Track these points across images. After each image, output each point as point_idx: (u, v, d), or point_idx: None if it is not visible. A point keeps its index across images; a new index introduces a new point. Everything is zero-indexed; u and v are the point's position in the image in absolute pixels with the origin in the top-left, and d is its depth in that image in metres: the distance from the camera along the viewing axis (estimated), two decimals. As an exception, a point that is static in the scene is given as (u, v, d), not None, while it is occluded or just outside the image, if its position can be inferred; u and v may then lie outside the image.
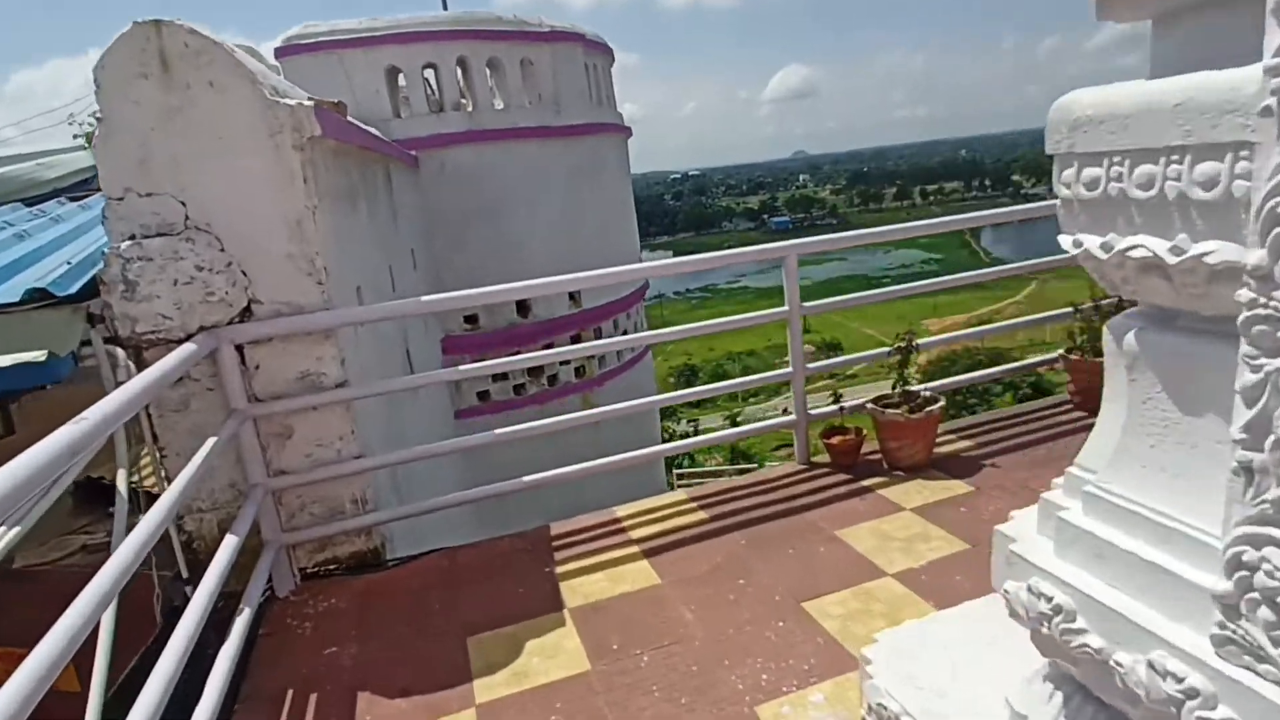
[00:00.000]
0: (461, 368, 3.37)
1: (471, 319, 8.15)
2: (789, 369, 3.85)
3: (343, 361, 3.08)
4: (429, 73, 8.10)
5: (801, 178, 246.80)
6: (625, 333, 9.54)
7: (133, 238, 2.73)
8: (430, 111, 7.89)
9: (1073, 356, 4.17)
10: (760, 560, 3.02)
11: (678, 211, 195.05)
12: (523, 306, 8.43)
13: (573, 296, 8.76)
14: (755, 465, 18.50)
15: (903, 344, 3.74)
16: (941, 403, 3.65)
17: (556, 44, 8.42)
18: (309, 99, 2.96)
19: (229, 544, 2.55)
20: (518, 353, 8.32)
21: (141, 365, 2.70)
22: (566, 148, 8.61)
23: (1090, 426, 3.59)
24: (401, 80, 8.01)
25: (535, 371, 8.60)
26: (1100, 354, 3.86)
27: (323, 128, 2.94)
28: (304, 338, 3.00)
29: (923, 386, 3.88)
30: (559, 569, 3.13)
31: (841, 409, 3.88)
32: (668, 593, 2.86)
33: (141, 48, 2.62)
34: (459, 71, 8.00)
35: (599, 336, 9.01)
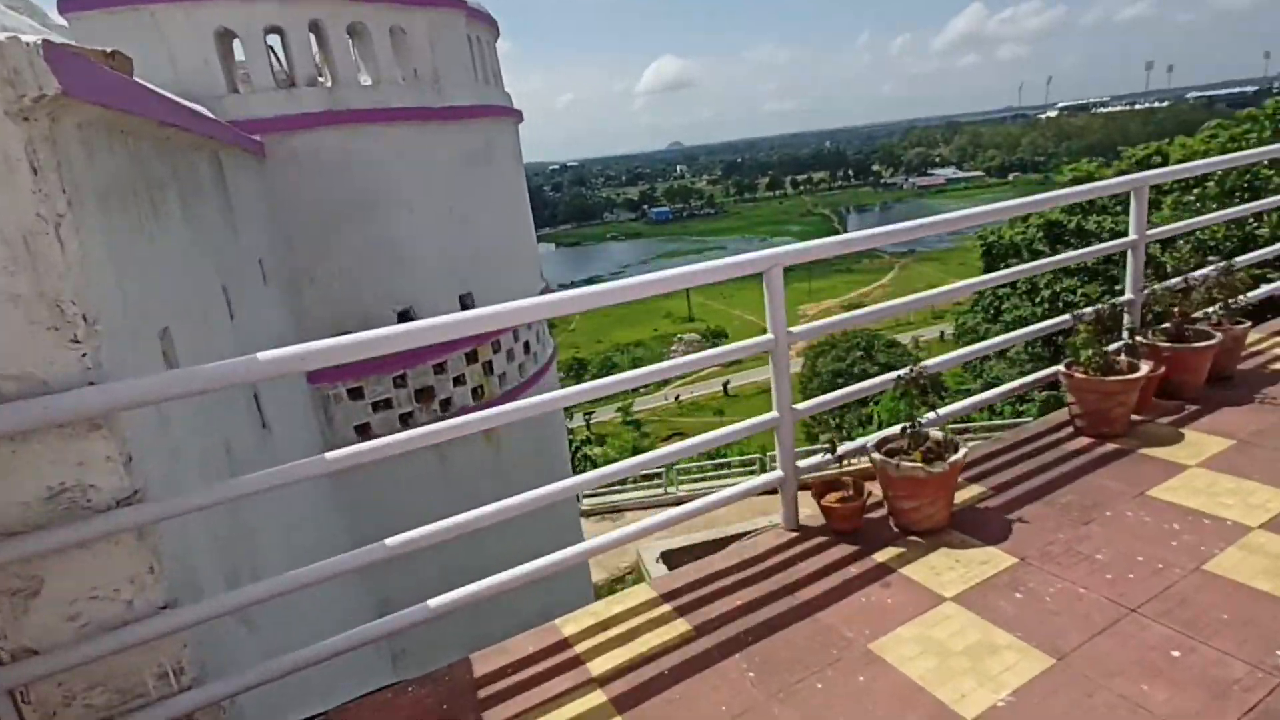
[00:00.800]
0: (345, 452, 2.25)
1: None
2: (773, 414, 2.99)
3: (128, 462, 1.92)
4: (275, 40, 6.65)
5: (679, 168, 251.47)
6: (526, 345, 8.46)
7: None
8: (278, 87, 6.46)
9: (1077, 374, 3.58)
10: (784, 706, 2.14)
11: (558, 203, 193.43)
12: (406, 319, 7.17)
13: (465, 304, 7.58)
14: (661, 469, 17.81)
15: (912, 375, 2.98)
16: (964, 450, 2.92)
17: (433, 10, 7.18)
18: (38, 37, 1.76)
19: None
20: (403, 375, 7.09)
21: None
22: (452, 132, 7.40)
23: (1106, 456, 2.94)
24: (239, 49, 6.52)
25: (425, 395, 7.38)
26: (1109, 371, 3.27)
27: (67, 84, 1.76)
28: (52, 432, 1.82)
29: (931, 420, 3.15)
30: (494, 744, 2.13)
31: (840, 461, 3.08)
32: (667, 784, 1.93)
33: None
34: (313, 39, 6.61)
35: (497, 350, 7.88)
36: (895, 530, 3.01)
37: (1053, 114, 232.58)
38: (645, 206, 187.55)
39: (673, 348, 78.73)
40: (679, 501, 16.78)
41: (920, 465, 2.82)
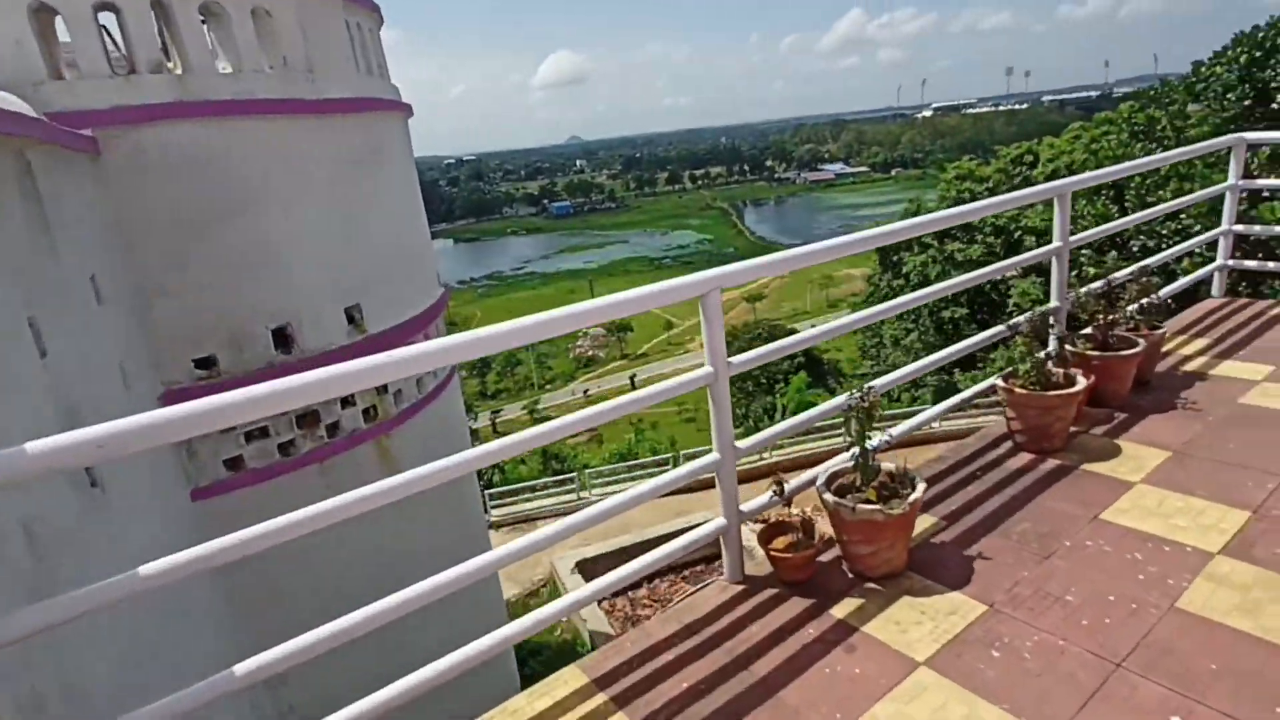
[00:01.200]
0: (183, 557, 1.68)
1: (206, 361, 5.96)
2: (713, 455, 2.62)
3: None
4: (109, 18, 5.71)
5: (578, 163, 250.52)
6: (425, 357, 7.78)
7: None
8: (114, 74, 5.54)
9: (1017, 389, 3.41)
10: (754, 831, 1.77)
11: (455, 198, 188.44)
12: (282, 337, 6.39)
13: (352, 318, 6.85)
14: (573, 473, 17.27)
15: (862, 402, 2.68)
16: (923, 486, 2.64)
17: (302, -10, 6.39)
18: None
19: None
20: (282, 399, 6.30)
21: None
22: (332, 127, 6.64)
23: (1051, 475, 2.77)
24: (63, 27, 5.54)
25: (308, 419, 6.61)
26: (1046, 384, 3.12)
27: None
28: None
29: (878, 442, 2.87)
30: None
31: (786, 500, 2.74)
32: None
33: None
34: (154, 18, 5.72)
35: (392, 367, 7.18)
36: (850, 576, 2.71)
37: (928, 114, 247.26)
38: (546, 201, 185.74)
39: (578, 342, 78.09)
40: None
41: (879, 508, 2.53)
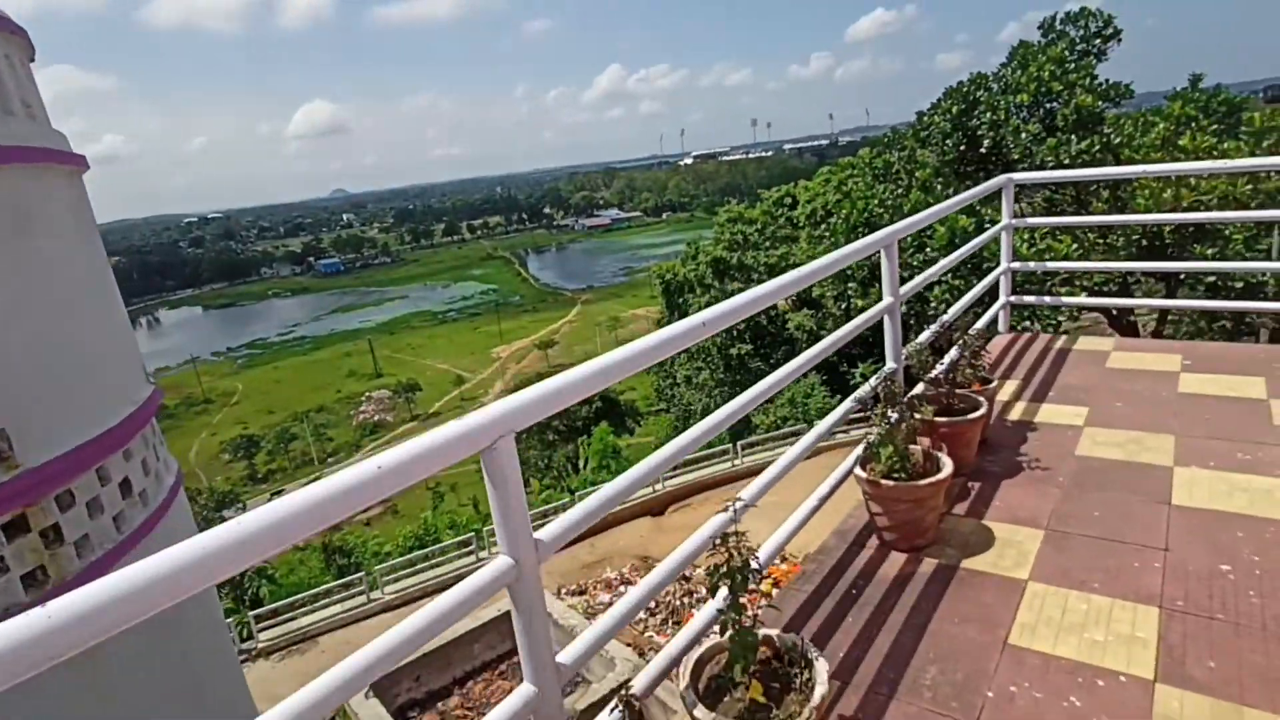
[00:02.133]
0: None
1: None
2: (527, 688, 1.65)
3: None
4: None
5: (346, 217, 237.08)
6: (127, 482, 5.87)
7: None
8: None
9: (883, 481, 2.84)
10: None
11: (201, 261, 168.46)
12: None
13: (-3, 449, 4.89)
14: (361, 572, 14.81)
15: (735, 562, 1.87)
16: (824, 668, 1.88)
17: (-126, -5, 4.51)
18: None
19: None
20: None
21: None
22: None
23: (933, 582, 2.14)
24: None
25: (-73, 605, 4.51)
26: (914, 475, 2.56)
27: None
28: None
29: (754, 569, 2.08)
30: None
31: (642, 727, 1.83)
32: None
33: None
34: None
35: (69, 506, 5.26)
36: (742, 815, 1.86)
37: (689, 161, 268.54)
38: (311, 259, 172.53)
39: (362, 409, 71.95)
40: (389, 608, 14.18)
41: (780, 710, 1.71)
